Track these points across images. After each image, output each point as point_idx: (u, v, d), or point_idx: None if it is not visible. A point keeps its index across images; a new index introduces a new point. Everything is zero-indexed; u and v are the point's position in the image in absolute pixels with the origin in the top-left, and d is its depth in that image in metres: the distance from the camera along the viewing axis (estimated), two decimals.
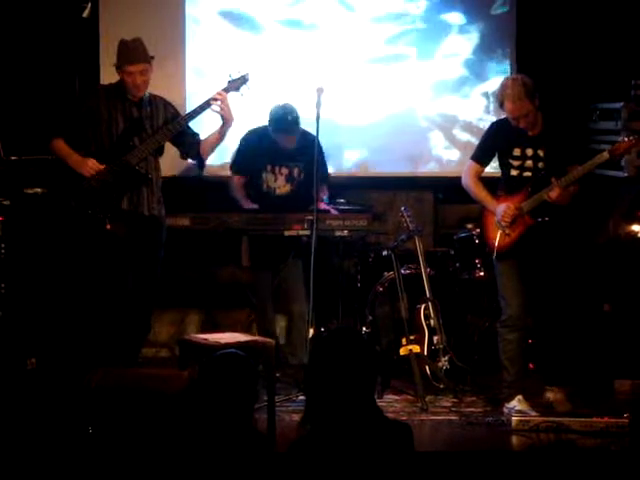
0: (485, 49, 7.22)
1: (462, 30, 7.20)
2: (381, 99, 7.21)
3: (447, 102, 7.25)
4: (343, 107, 7.11)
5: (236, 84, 5.85)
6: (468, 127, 7.19)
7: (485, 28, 7.19)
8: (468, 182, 5.76)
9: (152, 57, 5.78)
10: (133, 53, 5.74)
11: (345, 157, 7.22)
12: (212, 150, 6.02)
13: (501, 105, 5.55)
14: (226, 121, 5.84)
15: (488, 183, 5.75)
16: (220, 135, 5.92)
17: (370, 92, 7.20)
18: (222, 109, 5.78)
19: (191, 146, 5.94)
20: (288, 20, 7.12)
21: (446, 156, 7.22)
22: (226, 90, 5.82)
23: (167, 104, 5.94)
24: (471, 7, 7.19)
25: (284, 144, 6.29)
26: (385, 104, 7.21)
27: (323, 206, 6.22)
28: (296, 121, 6.22)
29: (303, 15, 7.12)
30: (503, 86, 5.56)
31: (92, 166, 5.65)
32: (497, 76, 6.91)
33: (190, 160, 6.10)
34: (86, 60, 6.65)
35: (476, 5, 7.19)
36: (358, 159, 7.24)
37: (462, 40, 7.20)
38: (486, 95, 7.18)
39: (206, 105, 5.81)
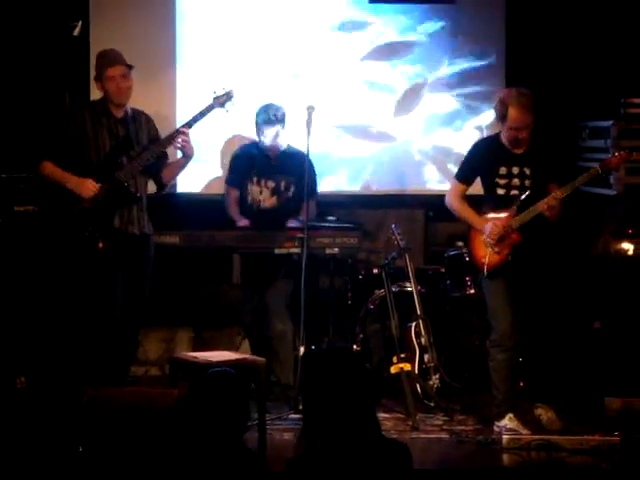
0: (476, 80, 7.23)
1: (451, 63, 7.21)
2: (376, 132, 7.21)
3: (441, 136, 7.25)
4: (333, 139, 7.12)
5: (221, 100, 5.88)
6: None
7: (474, 60, 7.20)
8: (453, 202, 5.75)
9: (131, 66, 5.79)
10: (110, 56, 5.77)
11: (335, 178, 7.20)
12: (174, 177, 6.09)
13: (502, 116, 5.52)
14: (186, 156, 5.88)
15: (470, 202, 5.75)
16: (181, 166, 5.97)
17: (364, 123, 7.21)
18: (183, 146, 5.80)
19: (158, 168, 5.93)
20: (280, 38, 7.10)
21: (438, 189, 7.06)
22: (211, 107, 5.85)
23: (149, 120, 5.95)
24: (460, 40, 7.20)
25: (269, 140, 6.28)
26: (380, 137, 7.21)
27: (292, 224, 6.21)
28: (280, 112, 6.26)
29: (296, 38, 7.12)
30: (508, 95, 5.53)
31: (91, 187, 5.64)
32: (489, 109, 6.85)
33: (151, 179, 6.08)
34: (77, 78, 6.64)
35: (466, 39, 7.20)
36: (349, 183, 7.24)
37: (453, 73, 7.22)
38: (480, 128, 7.18)
39: (171, 138, 5.79)
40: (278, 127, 6.29)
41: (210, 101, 5.86)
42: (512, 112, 5.46)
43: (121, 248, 5.72)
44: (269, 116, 6.27)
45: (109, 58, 5.78)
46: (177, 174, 6.10)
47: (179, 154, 6.00)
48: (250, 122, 6.52)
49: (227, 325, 6.79)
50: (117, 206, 5.72)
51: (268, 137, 6.30)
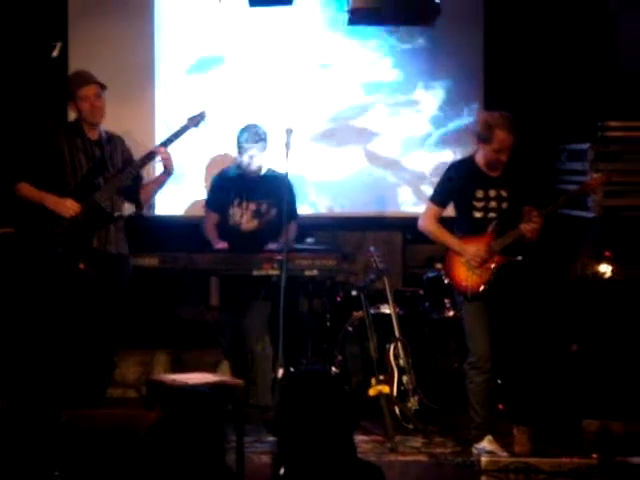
0: (451, 104, 7.30)
1: (427, 86, 7.27)
2: (350, 154, 7.28)
3: (415, 158, 7.30)
4: (312, 162, 7.18)
5: (195, 121, 5.94)
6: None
7: (451, 84, 7.28)
8: (428, 224, 5.75)
9: (104, 86, 5.80)
10: (83, 76, 5.81)
11: (314, 201, 7.27)
12: (152, 197, 6.12)
13: (486, 139, 5.53)
14: (168, 171, 5.90)
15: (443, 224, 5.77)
16: (160, 183, 6.00)
17: (341, 146, 7.27)
18: (165, 161, 5.85)
19: (134, 189, 5.95)
20: (259, 61, 7.17)
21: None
22: (185, 127, 5.90)
23: (122, 142, 5.98)
24: (437, 62, 7.27)
25: (250, 159, 6.30)
26: (355, 160, 7.28)
27: (272, 246, 6.20)
28: (261, 131, 6.29)
29: (276, 61, 7.17)
30: (493, 117, 5.55)
31: (71, 206, 5.64)
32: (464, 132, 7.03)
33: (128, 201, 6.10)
34: (55, 100, 6.63)
35: (443, 61, 7.26)
36: (327, 205, 7.31)
37: (428, 96, 7.28)
38: (454, 151, 7.18)
39: (147, 159, 5.84)
40: (259, 146, 6.30)
41: (185, 122, 5.92)
42: (500, 134, 5.49)
43: (99, 268, 5.72)
44: (250, 135, 6.30)
45: (82, 78, 5.81)
46: (155, 193, 6.11)
47: (158, 172, 6.01)
48: (231, 144, 6.56)
49: (206, 347, 6.75)
50: (95, 227, 5.72)
51: (249, 156, 6.31)
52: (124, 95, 6.76)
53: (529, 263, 5.68)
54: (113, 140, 5.91)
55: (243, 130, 6.36)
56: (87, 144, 5.78)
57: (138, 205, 6.01)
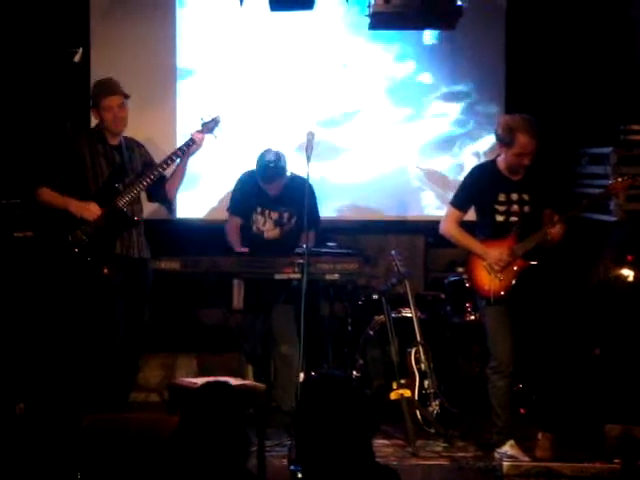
0: (474, 107, 7.28)
1: (450, 89, 7.24)
2: (374, 159, 7.25)
3: (438, 162, 7.29)
4: (333, 165, 7.19)
5: (209, 126, 5.94)
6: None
7: (473, 86, 7.27)
8: (450, 228, 5.73)
9: (128, 95, 5.82)
10: (108, 86, 5.81)
11: (336, 204, 7.26)
12: (177, 188, 6.04)
13: (508, 143, 5.51)
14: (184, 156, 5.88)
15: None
16: (180, 176, 5.94)
17: (363, 149, 7.26)
18: (195, 151, 5.87)
19: (161, 188, 5.98)
20: (280, 64, 7.17)
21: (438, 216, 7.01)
22: (202, 132, 5.91)
23: (141, 147, 6.00)
24: (459, 65, 7.26)
25: (269, 191, 6.33)
26: (377, 164, 7.26)
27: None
28: (278, 169, 6.25)
29: (298, 63, 7.19)
30: (515, 121, 5.53)
31: (95, 210, 5.67)
32: (488, 135, 7.00)
33: (158, 203, 6.16)
34: (77, 105, 6.69)
35: (464, 64, 7.25)
36: (348, 208, 7.30)
37: (451, 98, 7.26)
38: (477, 154, 7.20)
39: (188, 145, 5.85)
40: (277, 184, 6.28)
41: (199, 127, 5.92)
42: (522, 138, 5.47)
43: (123, 272, 5.76)
44: (266, 175, 6.26)
45: (106, 87, 5.82)
46: (179, 184, 6.03)
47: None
48: (250, 147, 6.55)
49: (228, 351, 6.75)
50: (117, 231, 5.76)
51: (267, 189, 6.30)
52: (146, 100, 6.77)
53: (551, 267, 5.66)
54: (132, 145, 5.94)
55: (257, 167, 6.28)
56: (108, 150, 5.82)
57: (167, 203, 6.04)
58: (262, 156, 6.32)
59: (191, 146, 5.86)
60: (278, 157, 6.26)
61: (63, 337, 6.07)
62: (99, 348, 5.67)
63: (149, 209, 6.29)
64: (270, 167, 6.26)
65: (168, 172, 5.97)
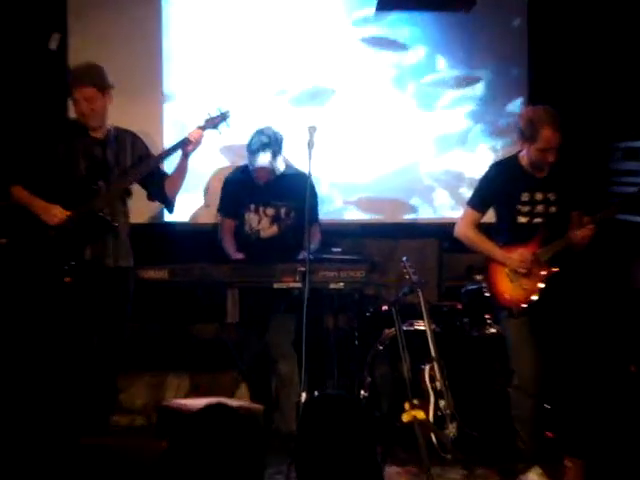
0: (493, 98, 7.27)
1: (465, 78, 7.24)
2: (381, 154, 7.22)
3: (452, 158, 7.27)
4: (337, 163, 7.15)
5: (214, 122, 5.85)
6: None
7: (492, 75, 7.24)
8: (467, 231, 5.71)
9: (109, 86, 5.68)
10: (77, 76, 5.66)
11: (340, 205, 7.24)
12: (178, 187, 5.93)
13: (531, 137, 5.47)
14: (185, 153, 5.79)
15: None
16: (181, 172, 5.85)
17: (368, 146, 7.21)
18: (193, 149, 5.77)
19: (160, 187, 5.88)
20: (275, 54, 7.13)
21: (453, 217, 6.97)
22: (203, 128, 5.81)
23: (136, 140, 5.86)
24: (476, 52, 7.23)
25: (257, 177, 6.23)
26: (385, 160, 7.23)
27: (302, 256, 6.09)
28: (271, 141, 6.17)
29: (295, 52, 7.15)
30: (537, 113, 5.50)
31: (57, 214, 5.54)
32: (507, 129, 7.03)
33: (158, 202, 6.07)
34: (53, 95, 6.64)
35: (482, 51, 7.23)
36: (354, 210, 7.28)
37: (466, 88, 7.26)
38: (495, 149, 7.22)
39: (182, 144, 5.76)
40: (271, 152, 6.19)
41: (202, 122, 5.83)
42: (546, 132, 5.44)
43: (94, 283, 5.63)
44: (256, 146, 6.19)
45: (76, 77, 5.67)
46: (180, 184, 5.93)
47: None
48: (241, 145, 6.51)
49: (222, 369, 6.73)
50: (90, 236, 5.63)
51: (256, 165, 6.21)
52: (128, 92, 6.67)
53: (580, 273, 5.64)
54: (123, 138, 5.80)
55: (254, 135, 6.25)
56: (88, 143, 5.69)
57: (167, 203, 5.95)
58: (257, 130, 6.26)
59: (187, 146, 5.76)
60: (274, 133, 6.22)
61: (33, 353, 5.91)
62: (69, 365, 5.54)
63: (137, 211, 6.19)
64: (262, 137, 6.18)
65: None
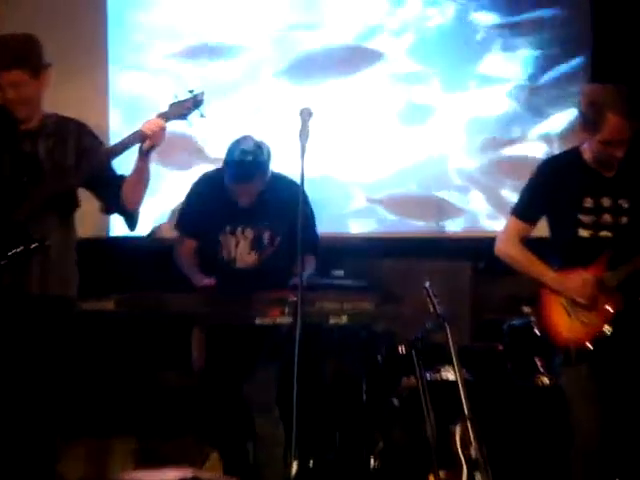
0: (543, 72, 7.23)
1: (505, 46, 7.28)
2: (395, 146, 7.25)
3: (492, 150, 7.31)
4: (342, 159, 7.24)
5: (182, 108, 5.42)
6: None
7: (542, 41, 7.21)
8: (511, 248, 5.55)
9: (46, 64, 5.35)
10: (2, 54, 5.40)
11: (345, 213, 7.32)
12: (140, 195, 5.57)
13: (593, 124, 5.28)
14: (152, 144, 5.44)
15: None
16: (142, 174, 5.57)
17: (379, 131, 7.25)
18: (155, 143, 5.41)
19: (115, 195, 5.47)
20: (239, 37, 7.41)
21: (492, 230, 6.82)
22: (165, 117, 5.42)
23: (83, 130, 5.47)
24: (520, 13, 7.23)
25: (238, 197, 6.02)
26: (401, 154, 7.26)
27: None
28: (257, 164, 5.99)
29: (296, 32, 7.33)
30: (602, 94, 5.31)
31: None
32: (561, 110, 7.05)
33: (118, 214, 5.64)
34: None
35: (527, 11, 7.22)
36: (362, 221, 7.37)
37: (507, 60, 7.26)
38: (547, 139, 7.20)
39: (136, 139, 5.42)
40: (255, 183, 6.04)
41: (164, 109, 5.43)
42: (612, 119, 5.22)
43: (9, 316, 5.35)
44: (238, 172, 6.01)
45: (1, 55, 5.35)
46: (142, 190, 5.63)
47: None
48: (216, 140, 6.64)
49: (184, 433, 6.61)
50: (9, 256, 5.37)
51: (236, 193, 6.05)
52: (68, 72, 6.82)
53: None
54: (63, 128, 5.46)
55: (226, 160, 6.13)
56: (17, 137, 5.38)
57: (126, 215, 5.65)
58: (236, 144, 5.97)
59: (143, 141, 5.45)
60: (259, 147, 5.95)
61: None
62: None
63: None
64: (246, 160, 5.91)
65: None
